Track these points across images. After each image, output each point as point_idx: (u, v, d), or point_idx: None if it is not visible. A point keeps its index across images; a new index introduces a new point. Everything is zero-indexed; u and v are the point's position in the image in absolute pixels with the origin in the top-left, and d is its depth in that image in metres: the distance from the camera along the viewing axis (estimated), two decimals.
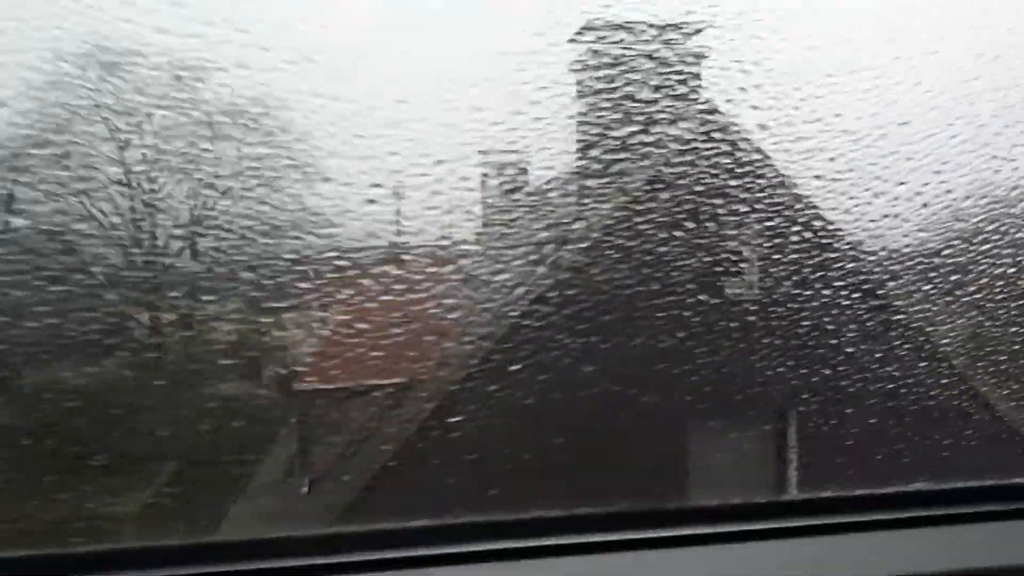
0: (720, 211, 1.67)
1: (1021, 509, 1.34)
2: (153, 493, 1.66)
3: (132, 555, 1.22)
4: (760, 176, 1.64)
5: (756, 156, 1.64)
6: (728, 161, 1.64)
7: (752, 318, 1.71)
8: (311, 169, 1.53)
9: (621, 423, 1.83)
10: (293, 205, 1.54)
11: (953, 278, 1.72)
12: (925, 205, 1.67)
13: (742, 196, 1.65)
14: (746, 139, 1.64)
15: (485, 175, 1.60)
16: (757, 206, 1.66)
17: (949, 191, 1.70)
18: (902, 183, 1.67)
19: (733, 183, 1.64)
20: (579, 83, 1.61)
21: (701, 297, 1.66)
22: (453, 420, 1.84)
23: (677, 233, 1.66)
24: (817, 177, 1.66)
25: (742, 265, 1.71)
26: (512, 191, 1.63)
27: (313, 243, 1.54)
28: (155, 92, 1.46)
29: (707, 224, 1.67)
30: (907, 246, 1.74)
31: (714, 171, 1.64)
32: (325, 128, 1.49)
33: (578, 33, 1.57)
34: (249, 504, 1.77)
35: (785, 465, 1.85)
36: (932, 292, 1.77)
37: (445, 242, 1.58)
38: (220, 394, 1.60)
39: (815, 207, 1.66)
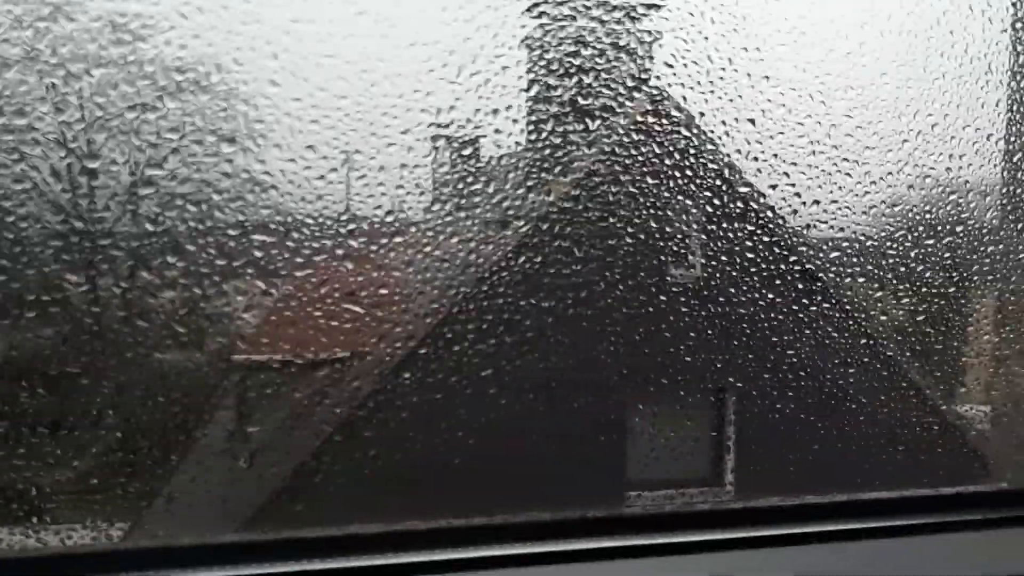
0: (666, 194, 1.69)
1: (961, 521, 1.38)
2: (85, 464, 1.62)
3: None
4: (706, 161, 1.67)
5: (703, 141, 1.66)
6: (675, 145, 1.66)
7: (695, 302, 1.74)
8: (258, 135, 1.50)
9: (561, 401, 1.84)
10: (239, 172, 1.51)
11: (895, 265, 1.79)
12: (867, 193, 1.72)
13: (688, 180, 1.67)
14: (693, 123, 1.66)
15: (436, 149, 1.58)
16: (703, 190, 1.69)
17: (894, 182, 1.76)
18: (848, 173, 1.72)
19: (680, 167, 1.66)
20: (530, 59, 1.61)
21: (645, 280, 1.68)
22: (395, 396, 1.84)
23: (622, 214, 1.68)
24: (760, 164, 1.70)
25: (687, 249, 1.73)
26: (463, 166, 1.62)
27: (259, 211, 1.52)
28: (95, 48, 1.41)
29: (653, 207, 1.68)
30: (853, 233, 1.79)
31: (661, 154, 1.66)
32: (274, 94, 1.47)
33: (529, 8, 1.57)
34: (186, 476, 1.74)
35: (721, 452, 1.89)
36: (873, 279, 1.83)
37: (394, 215, 1.57)
38: (159, 363, 1.57)
39: (760, 192, 1.69)
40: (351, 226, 1.57)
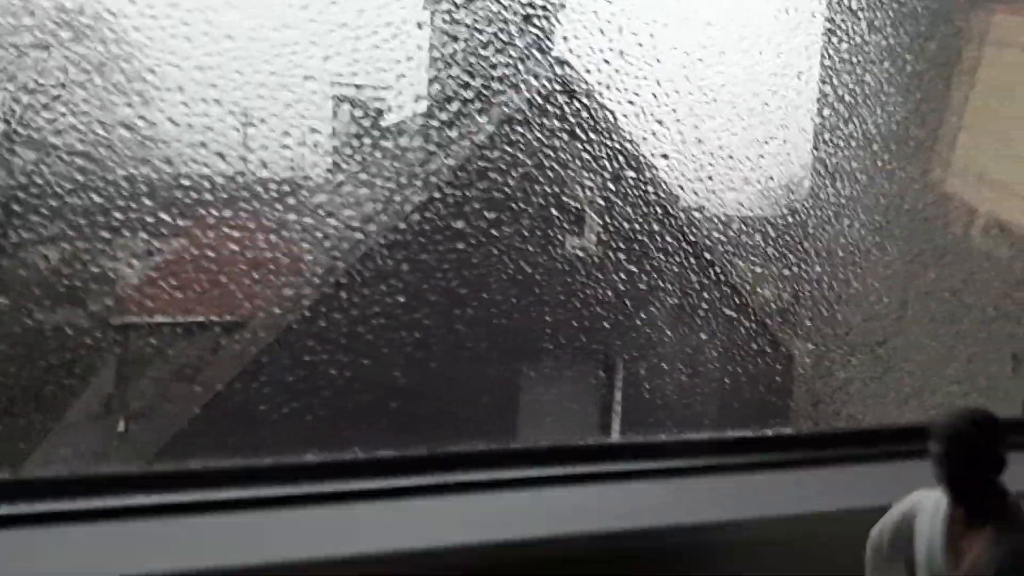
0: (565, 166, 1.72)
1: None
2: None
3: None
4: (606, 135, 1.71)
5: (603, 114, 1.70)
6: (576, 117, 1.69)
7: (592, 272, 1.79)
8: (150, 89, 1.42)
9: (454, 368, 1.86)
10: (126, 126, 1.43)
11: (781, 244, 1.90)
12: (772, 178, 1.82)
13: (587, 153, 1.71)
14: (595, 96, 1.70)
15: (337, 110, 1.56)
16: (602, 164, 1.73)
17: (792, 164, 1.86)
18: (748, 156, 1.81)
19: (579, 139, 1.70)
20: (433, 21, 1.60)
21: (541, 250, 1.72)
22: (280, 361, 1.81)
23: (523, 184, 1.70)
24: (658, 140, 1.75)
25: (584, 221, 1.78)
26: (365, 128, 1.60)
27: (148, 168, 1.45)
28: None
29: (551, 179, 1.72)
30: (746, 214, 1.89)
31: (561, 125, 1.69)
32: (168, 46, 1.40)
33: None
34: (59, 440, 1.66)
35: (609, 410, 1.96)
36: (758, 255, 1.94)
37: (292, 177, 1.53)
38: (34, 324, 1.48)
39: (657, 170, 1.75)
40: (244, 187, 1.53)
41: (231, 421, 1.85)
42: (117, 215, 1.46)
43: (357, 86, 1.55)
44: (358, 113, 1.59)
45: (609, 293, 1.78)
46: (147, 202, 1.45)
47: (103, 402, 1.79)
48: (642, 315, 1.86)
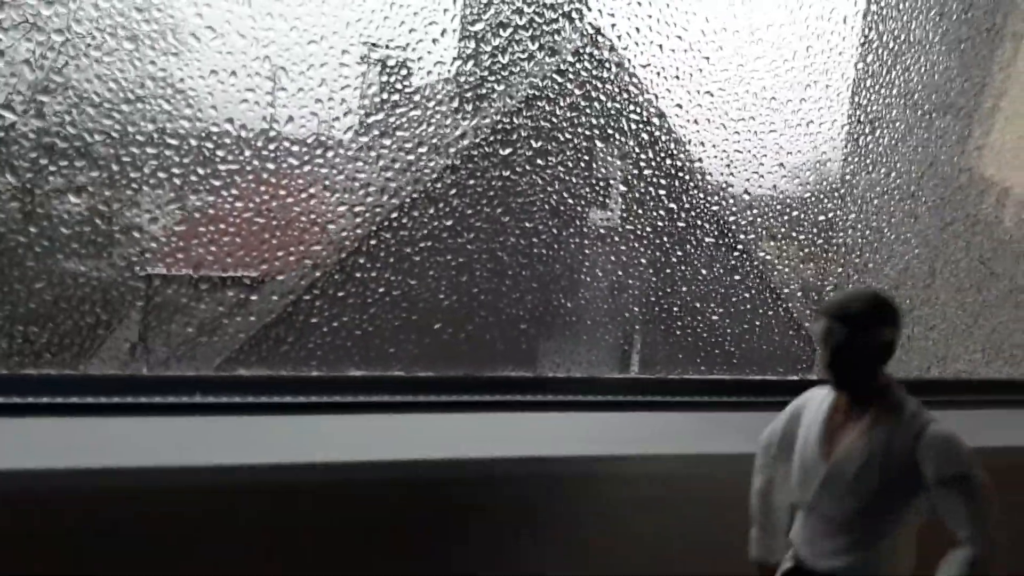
0: (592, 138, 1.71)
1: None
2: None
3: None
4: (635, 107, 1.69)
5: (634, 87, 1.68)
6: (606, 88, 1.68)
7: (616, 241, 1.78)
8: (179, 41, 1.43)
9: (476, 331, 1.87)
10: (155, 78, 1.44)
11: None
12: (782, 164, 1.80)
13: (615, 125, 1.70)
14: (627, 69, 1.68)
15: (365, 72, 1.55)
16: (628, 137, 1.72)
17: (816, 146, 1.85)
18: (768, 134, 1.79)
19: (609, 111, 1.68)
20: None
21: (563, 223, 1.71)
22: (301, 319, 1.82)
23: (548, 154, 1.69)
24: (694, 121, 1.75)
25: (608, 193, 1.77)
26: (393, 91, 1.59)
27: (176, 122, 1.46)
28: None
29: (578, 149, 1.70)
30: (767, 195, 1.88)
31: (590, 95, 1.68)
32: (202, 4, 1.40)
33: None
34: None
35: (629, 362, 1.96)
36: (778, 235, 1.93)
37: (318, 136, 1.53)
38: (63, 270, 1.51)
39: (685, 144, 1.74)
40: (271, 144, 1.53)
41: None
42: (146, 167, 1.47)
43: (389, 47, 1.54)
44: (388, 75, 1.58)
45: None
46: (174, 156, 1.47)
47: (129, 351, 1.82)
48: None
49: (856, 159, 2.04)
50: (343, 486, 1.24)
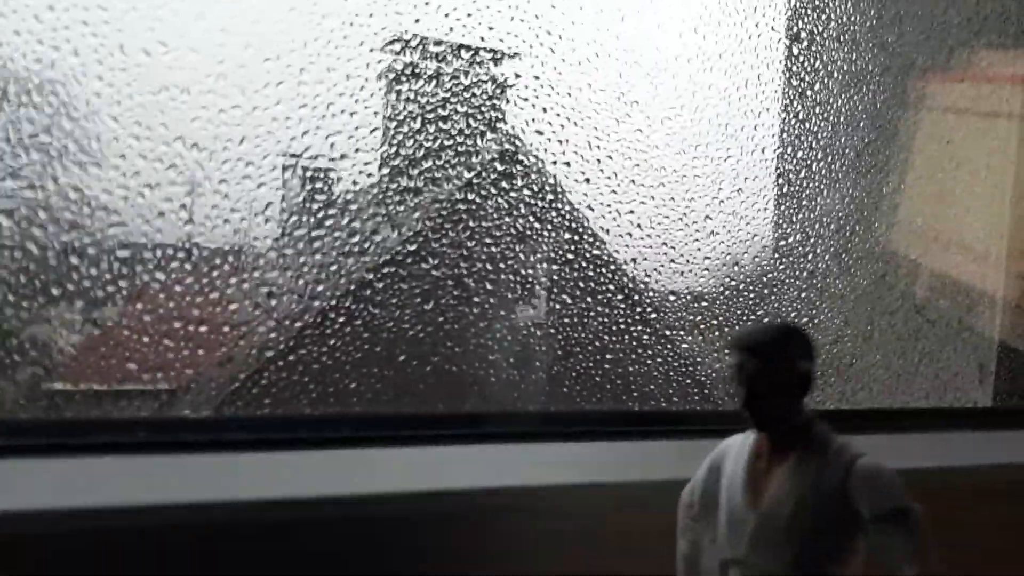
0: (515, 238, 1.73)
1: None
2: None
3: None
4: (554, 209, 1.74)
5: (552, 188, 1.73)
6: (525, 191, 1.72)
7: (541, 336, 1.79)
8: (95, 154, 1.40)
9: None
10: (71, 191, 1.41)
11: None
12: (700, 249, 1.87)
13: (537, 225, 1.73)
14: (543, 170, 1.73)
15: (287, 179, 1.55)
16: (550, 236, 1.75)
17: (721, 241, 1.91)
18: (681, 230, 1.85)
19: (529, 212, 1.72)
20: (386, 96, 1.61)
21: (495, 321, 1.71)
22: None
23: (473, 256, 1.70)
24: (605, 214, 1.79)
25: (534, 290, 1.78)
26: (315, 198, 1.59)
27: (91, 234, 1.42)
28: None
29: (503, 250, 1.72)
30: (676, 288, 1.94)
31: (511, 199, 1.71)
32: (117, 111, 1.39)
33: (387, 44, 1.57)
34: None
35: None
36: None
37: (239, 245, 1.51)
38: None
39: (603, 242, 1.78)
40: (186, 254, 1.50)
41: None
42: (58, 281, 1.42)
43: (307, 154, 1.55)
44: (310, 183, 1.58)
45: None
46: (88, 270, 1.42)
47: None
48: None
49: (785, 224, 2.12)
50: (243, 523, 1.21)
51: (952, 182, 2.34)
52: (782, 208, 2.16)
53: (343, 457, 1.41)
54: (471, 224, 1.71)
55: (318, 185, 1.58)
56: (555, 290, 1.81)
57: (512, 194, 1.74)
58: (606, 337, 1.87)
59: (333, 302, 1.65)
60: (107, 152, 1.40)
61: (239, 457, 1.37)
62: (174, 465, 1.33)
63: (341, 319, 1.64)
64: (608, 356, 1.88)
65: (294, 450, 1.42)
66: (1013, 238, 2.39)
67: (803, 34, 2.14)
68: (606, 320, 1.87)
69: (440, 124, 1.64)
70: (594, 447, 1.60)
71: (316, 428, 1.51)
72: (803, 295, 2.19)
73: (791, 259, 2.17)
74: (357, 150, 1.55)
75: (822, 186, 2.20)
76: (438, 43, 1.61)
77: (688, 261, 1.99)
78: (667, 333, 1.95)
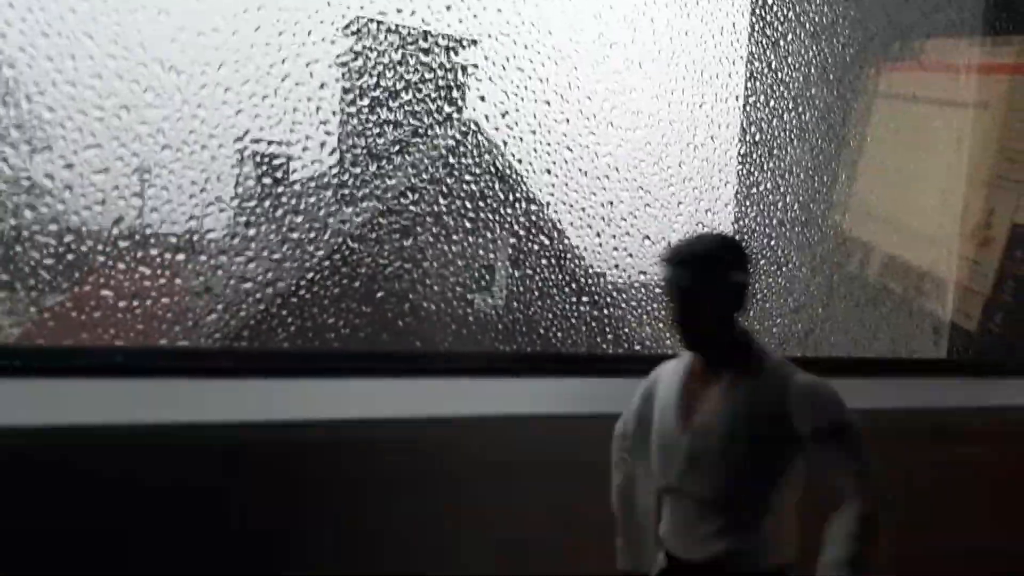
0: (473, 225, 1.72)
1: None
2: None
3: None
4: (512, 196, 1.72)
5: (511, 176, 1.71)
6: (484, 178, 1.69)
7: (498, 327, 1.80)
8: (41, 137, 1.36)
9: None
10: (14, 173, 1.37)
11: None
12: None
13: (494, 214, 1.72)
14: (502, 158, 1.70)
15: (241, 165, 1.52)
16: (507, 224, 1.74)
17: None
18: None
19: (486, 199, 1.70)
20: (344, 81, 1.55)
21: (450, 310, 1.71)
22: None
23: (430, 242, 1.69)
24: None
25: (491, 279, 1.77)
26: (269, 185, 1.56)
27: (36, 217, 1.39)
28: None
29: (460, 238, 1.71)
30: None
31: (468, 186, 1.69)
32: (63, 95, 1.34)
33: (344, 28, 1.51)
34: None
35: None
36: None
37: (190, 231, 1.49)
38: None
39: (561, 231, 1.77)
40: (139, 241, 1.48)
41: None
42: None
43: (263, 141, 1.51)
44: (264, 169, 1.54)
45: None
46: (35, 254, 1.40)
47: None
48: None
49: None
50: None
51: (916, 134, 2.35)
52: (753, 156, 2.15)
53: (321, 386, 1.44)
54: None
55: (273, 171, 1.54)
56: (532, 231, 1.80)
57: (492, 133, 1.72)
58: (582, 280, 1.88)
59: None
60: (53, 136, 1.36)
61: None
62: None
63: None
64: (584, 299, 1.89)
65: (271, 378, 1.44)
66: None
67: None
68: (581, 262, 1.87)
69: (397, 109, 1.60)
70: (562, 383, 1.61)
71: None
72: (772, 242, 2.20)
73: (761, 207, 2.17)
74: (311, 134, 1.51)
75: (792, 136, 2.19)
76: (393, 28, 1.55)
77: (663, 206, 1.97)
78: (641, 278, 1.96)
